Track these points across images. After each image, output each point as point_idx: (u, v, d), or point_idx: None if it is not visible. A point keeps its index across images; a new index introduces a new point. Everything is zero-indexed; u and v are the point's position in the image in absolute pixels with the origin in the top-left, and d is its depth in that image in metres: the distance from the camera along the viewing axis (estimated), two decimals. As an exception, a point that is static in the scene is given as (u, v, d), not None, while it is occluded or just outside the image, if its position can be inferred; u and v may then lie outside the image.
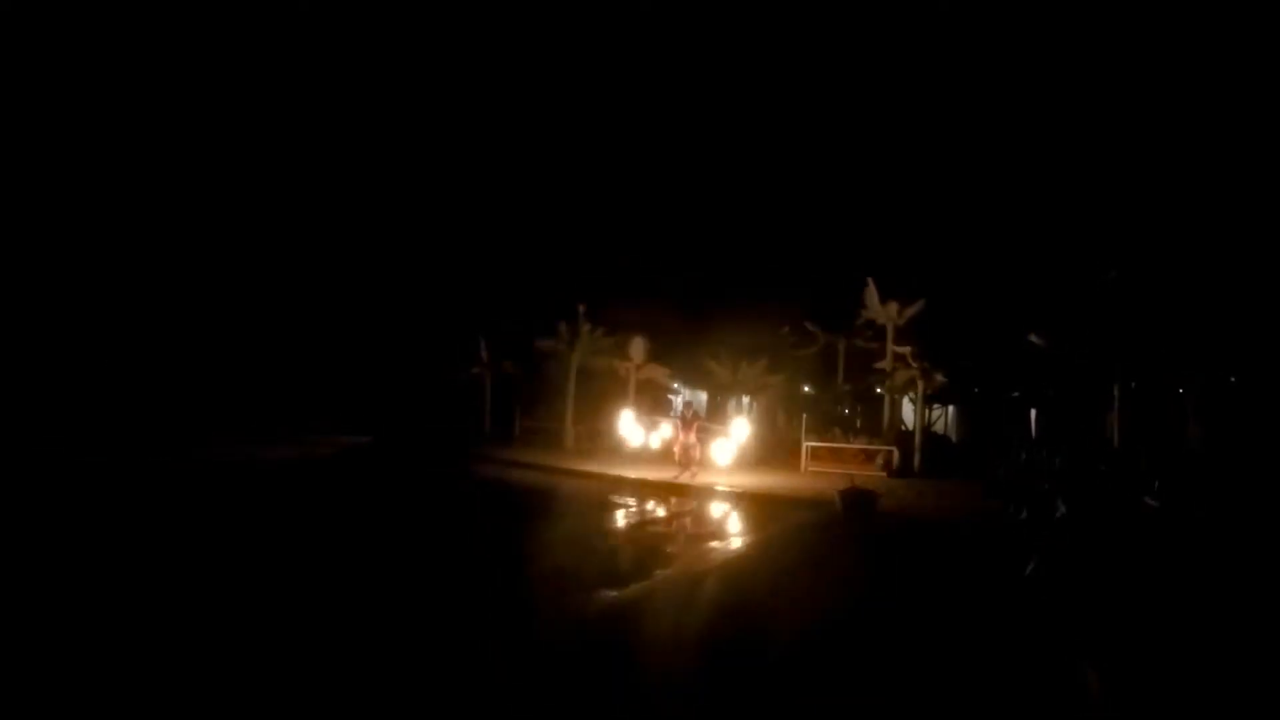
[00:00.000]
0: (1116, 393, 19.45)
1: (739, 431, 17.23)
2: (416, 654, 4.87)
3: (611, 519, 11.17)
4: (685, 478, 14.69)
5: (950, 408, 27.08)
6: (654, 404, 23.21)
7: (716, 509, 12.63)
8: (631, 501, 12.94)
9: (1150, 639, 5.66)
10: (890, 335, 19.15)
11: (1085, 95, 21.79)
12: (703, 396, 25.31)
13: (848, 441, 18.35)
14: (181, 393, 24.16)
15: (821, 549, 8.92)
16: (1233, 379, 19.29)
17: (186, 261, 25.13)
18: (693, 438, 15.54)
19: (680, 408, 22.24)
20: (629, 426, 18.95)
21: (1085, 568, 8.22)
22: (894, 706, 4.38)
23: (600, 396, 22.25)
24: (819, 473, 16.60)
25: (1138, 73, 20.77)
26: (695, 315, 23.33)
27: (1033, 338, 20.40)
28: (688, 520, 11.62)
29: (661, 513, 11.98)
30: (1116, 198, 20.88)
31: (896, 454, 17.35)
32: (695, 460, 15.37)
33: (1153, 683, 4.80)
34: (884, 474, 16.48)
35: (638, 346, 21.00)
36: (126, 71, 24.55)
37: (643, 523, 11.16)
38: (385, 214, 27.60)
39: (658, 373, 21.42)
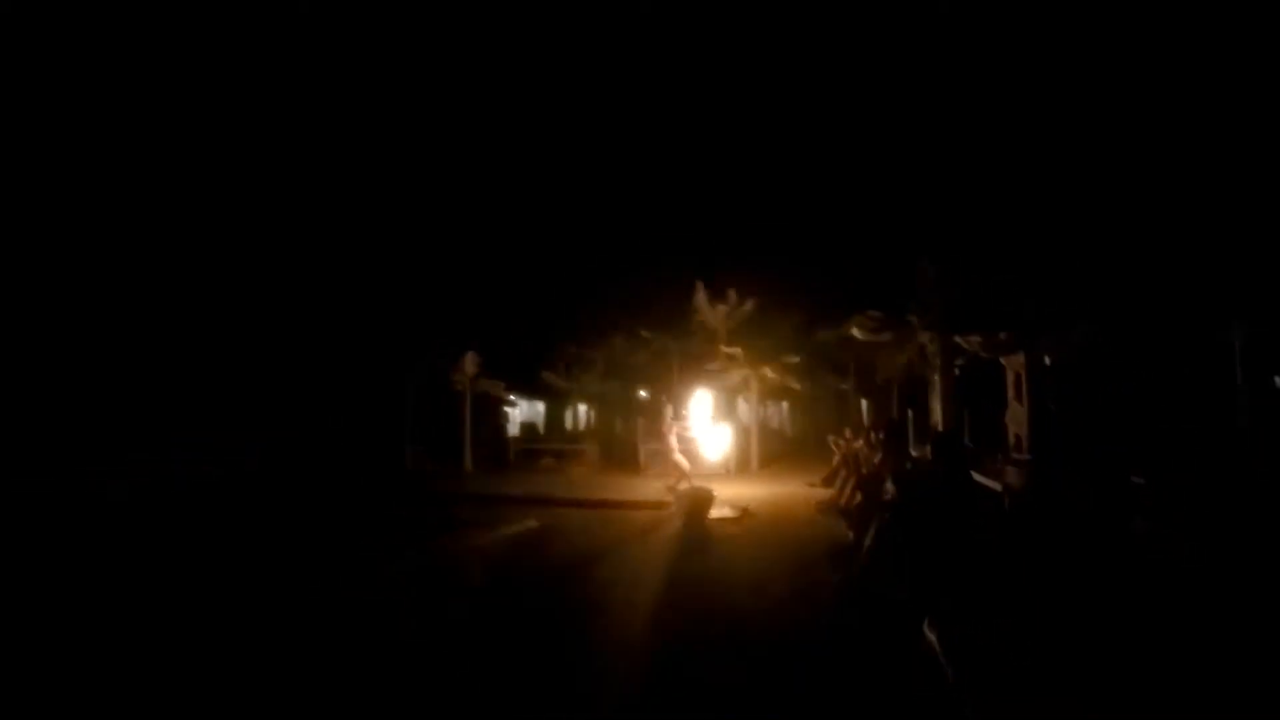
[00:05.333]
0: (938, 377, 20.29)
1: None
2: None
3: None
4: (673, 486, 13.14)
5: (784, 404, 27.99)
6: (496, 417, 22.37)
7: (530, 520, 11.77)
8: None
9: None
10: (721, 336, 19.38)
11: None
12: (540, 407, 24.72)
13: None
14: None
15: (665, 545, 8.65)
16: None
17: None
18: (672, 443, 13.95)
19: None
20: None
21: (917, 547, 8.30)
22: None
23: (437, 413, 21.12)
24: (659, 474, 16.46)
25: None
26: (535, 326, 22.65)
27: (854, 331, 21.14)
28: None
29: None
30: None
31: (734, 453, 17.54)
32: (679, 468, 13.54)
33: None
34: (723, 471, 16.63)
35: (470, 360, 20.17)
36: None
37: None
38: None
39: (493, 386, 20.67)
